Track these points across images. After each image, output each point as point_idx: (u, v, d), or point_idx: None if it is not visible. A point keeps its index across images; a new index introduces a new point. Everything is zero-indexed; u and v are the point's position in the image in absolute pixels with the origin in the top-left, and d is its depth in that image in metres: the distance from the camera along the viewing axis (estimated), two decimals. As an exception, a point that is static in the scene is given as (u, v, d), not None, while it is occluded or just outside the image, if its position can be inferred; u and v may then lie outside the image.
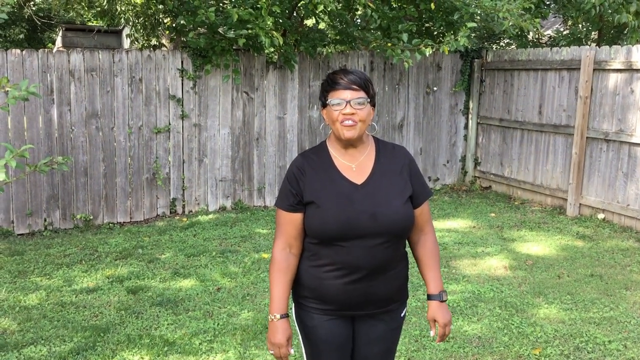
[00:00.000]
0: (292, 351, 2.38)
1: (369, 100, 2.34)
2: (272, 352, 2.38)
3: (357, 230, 2.29)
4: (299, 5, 7.96)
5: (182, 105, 7.43)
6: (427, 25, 9.02)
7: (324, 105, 2.37)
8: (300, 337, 2.50)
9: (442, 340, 2.50)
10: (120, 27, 13.03)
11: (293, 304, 2.52)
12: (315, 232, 2.34)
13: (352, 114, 2.29)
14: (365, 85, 2.33)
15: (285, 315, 2.36)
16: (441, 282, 2.51)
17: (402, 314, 2.54)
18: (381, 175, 2.39)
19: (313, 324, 2.42)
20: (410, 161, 2.47)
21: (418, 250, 2.53)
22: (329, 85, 2.34)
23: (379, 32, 8.05)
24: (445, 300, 2.48)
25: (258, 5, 6.88)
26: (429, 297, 2.49)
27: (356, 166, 2.40)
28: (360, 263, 2.32)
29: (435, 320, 2.47)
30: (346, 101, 2.29)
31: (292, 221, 2.38)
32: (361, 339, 2.49)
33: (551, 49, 7.94)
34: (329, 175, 2.37)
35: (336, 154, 2.42)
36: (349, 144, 2.38)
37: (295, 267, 2.41)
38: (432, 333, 2.51)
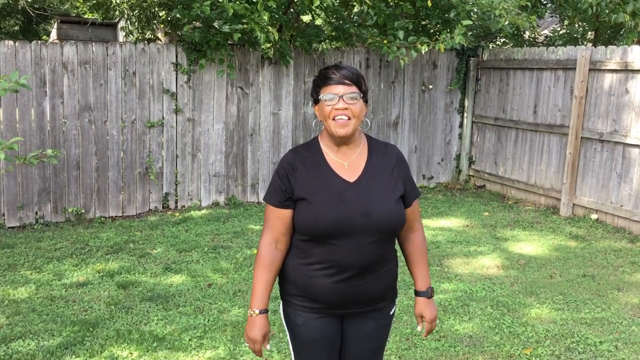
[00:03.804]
0: (268, 347, 2.41)
1: (361, 95, 2.32)
2: (248, 346, 2.41)
3: (349, 229, 2.28)
4: (295, 0, 7.92)
5: (176, 100, 7.39)
6: (423, 22, 8.99)
7: (316, 101, 2.35)
8: (288, 335, 2.48)
9: (427, 334, 2.56)
10: (116, 20, 12.96)
11: (281, 302, 2.50)
12: (306, 230, 2.31)
13: (345, 108, 2.27)
14: (357, 81, 2.31)
15: (265, 311, 2.36)
16: (429, 278, 2.53)
17: (392, 312, 2.53)
18: (373, 173, 2.38)
19: (301, 322, 2.40)
20: (402, 161, 2.46)
21: (407, 247, 2.53)
22: (321, 80, 2.32)
23: (375, 29, 8.02)
24: (432, 297, 2.52)
25: (254, 0, 6.84)
26: (417, 293, 2.52)
27: (348, 164, 2.38)
28: (351, 261, 2.30)
29: (422, 316, 2.52)
30: (339, 96, 2.28)
31: (281, 217, 2.36)
32: (350, 336, 2.48)
33: (547, 48, 7.93)
34: (321, 172, 2.35)
35: (328, 150, 2.39)
36: (341, 141, 2.36)
37: (281, 263, 2.40)
38: (419, 328, 2.56)
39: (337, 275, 2.32)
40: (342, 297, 2.35)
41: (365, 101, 2.36)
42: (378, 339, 2.51)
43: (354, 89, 2.30)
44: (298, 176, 2.35)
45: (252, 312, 2.36)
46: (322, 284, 2.34)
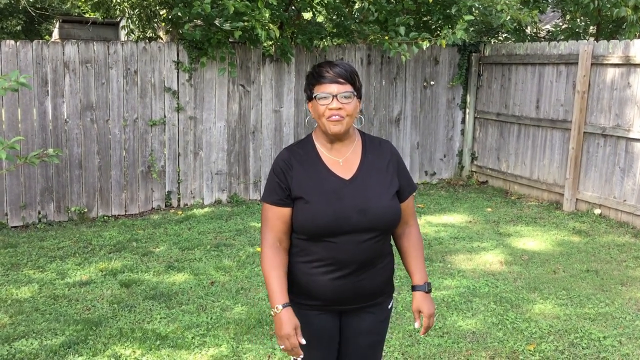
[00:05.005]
0: (302, 341, 2.27)
1: (355, 93, 2.31)
2: (282, 346, 2.25)
3: (346, 226, 2.27)
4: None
5: (178, 98, 7.39)
6: (424, 18, 8.97)
7: (310, 98, 2.34)
8: None
9: (426, 331, 2.50)
10: (117, 19, 12.97)
11: None
12: (304, 228, 2.31)
13: (339, 108, 2.26)
14: (351, 78, 2.29)
15: (288, 305, 2.27)
16: (426, 273, 2.50)
17: (390, 306, 2.54)
18: (368, 170, 2.37)
19: (301, 319, 2.39)
20: (396, 156, 2.46)
21: (402, 242, 2.51)
22: (315, 78, 2.30)
23: (376, 26, 8.00)
24: (430, 292, 2.47)
25: (254, -3, 6.83)
26: (414, 288, 2.47)
27: (343, 161, 2.38)
28: (350, 258, 2.30)
29: (420, 312, 2.46)
30: (333, 95, 2.26)
31: (281, 216, 2.35)
32: (349, 332, 2.48)
33: (549, 43, 7.90)
34: (317, 170, 2.35)
35: (322, 148, 2.39)
36: (335, 138, 2.35)
37: (287, 262, 2.38)
38: (416, 324, 2.48)
39: (336, 272, 2.32)
40: (341, 293, 2.35)
41: (359, 98, 2.35)
42: (377, 334, 2.51)
43: (348, 87, 2.28)
44: (294, 175, 2.34)
45: (275, 310, 2.25)
46: (321, 281, 2.33)
